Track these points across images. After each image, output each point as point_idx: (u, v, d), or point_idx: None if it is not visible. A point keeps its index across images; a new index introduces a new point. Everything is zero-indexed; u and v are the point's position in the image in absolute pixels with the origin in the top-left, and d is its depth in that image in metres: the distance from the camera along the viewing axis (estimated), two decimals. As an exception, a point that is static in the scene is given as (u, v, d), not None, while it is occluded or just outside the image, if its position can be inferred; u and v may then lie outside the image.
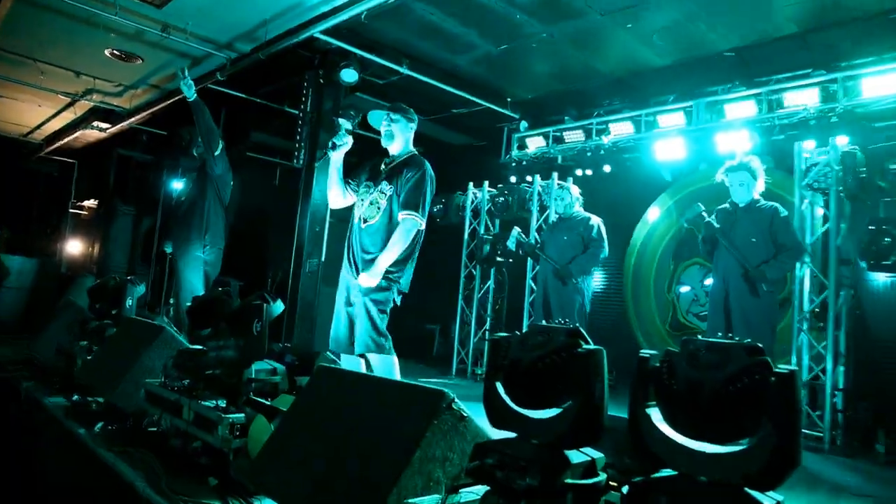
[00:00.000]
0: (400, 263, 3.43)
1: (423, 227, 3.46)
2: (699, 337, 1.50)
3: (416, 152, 3.63)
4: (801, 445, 1.35)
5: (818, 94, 5.56)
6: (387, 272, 3.37)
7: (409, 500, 1.64)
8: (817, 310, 4.90)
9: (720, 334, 1.53)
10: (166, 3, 5.86)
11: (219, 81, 7.07)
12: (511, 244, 5.99)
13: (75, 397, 3.25)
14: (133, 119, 9.11)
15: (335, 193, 3.64)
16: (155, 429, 2.60)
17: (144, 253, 10.23)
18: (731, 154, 4.89)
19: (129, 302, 3.87)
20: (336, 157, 3.54)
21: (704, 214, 4.41)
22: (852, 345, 4.82)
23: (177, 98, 7.86)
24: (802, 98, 5.64)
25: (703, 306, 6.48)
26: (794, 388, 1.34)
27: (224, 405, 2.39)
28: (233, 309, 2.74)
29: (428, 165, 3.52)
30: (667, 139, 6.53)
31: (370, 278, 3.31)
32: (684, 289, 6.97)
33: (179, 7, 5.92)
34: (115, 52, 7.15)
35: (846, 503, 3.25)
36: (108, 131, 9.75)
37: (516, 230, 5.96)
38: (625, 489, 1.44)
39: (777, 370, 1.35)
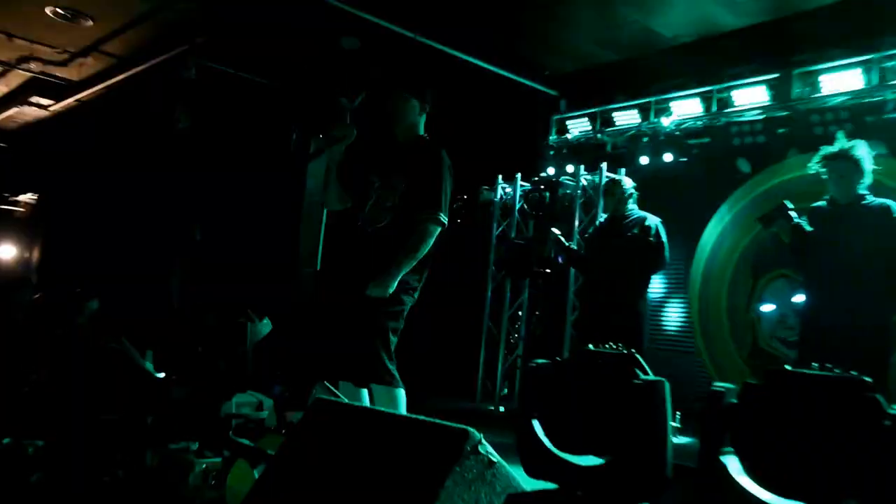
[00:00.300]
0: (417, 271, 3.39)
1: (446, 224, 3.43)
2: (788, 367, 1.47)
3: (427, 138, 3.58)
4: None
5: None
6: (403, 282, 3.29)
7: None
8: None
9: (815, 365, 1.50)
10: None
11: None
12: (549, 251, 5.97)
13: (6, 440, 3.24)
14: (82, 94, 9.17)
15: (334, 195, 3.61)
16: (108, 479, 2.62)
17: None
18: (829, 139, 4.83)
19: (80, 319, 3.91)
20: (336, 151, 3.54)
21: (793, 215, 4.36)
22: None
23: (139, 69, 7.91)
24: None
25: (793, 329, 6.37)
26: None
27: (197, 447, 2.41)
28: (210, 329, 2.76)
29: (444, 152, 3.47)
30: (745, 120, 6.45)
31: (382, 287, 3.22)
32: (767, 307, 6.87)
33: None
34: (58, 9, 7.10)
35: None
36: (50, 109, 9.81)
37: (555, 233, 5.95)
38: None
39: (892, 411, 1.33)
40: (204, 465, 2.31)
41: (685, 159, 7.14)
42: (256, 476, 2.20)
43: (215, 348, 2.61)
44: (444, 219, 3.38)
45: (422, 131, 3.59)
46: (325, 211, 6.80)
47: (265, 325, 2.91)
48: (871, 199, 4.24)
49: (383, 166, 3.51)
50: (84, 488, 2.66)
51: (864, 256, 4.11)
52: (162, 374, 2.93)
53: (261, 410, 2.62)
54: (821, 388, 1.40)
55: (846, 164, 4.21)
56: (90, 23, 7.40)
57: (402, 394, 3.21)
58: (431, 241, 3.36)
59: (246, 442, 2.40)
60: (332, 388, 2.74)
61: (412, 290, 3.38)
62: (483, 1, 6.35)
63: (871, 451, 1.32)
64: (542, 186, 7.42)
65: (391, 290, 3.21)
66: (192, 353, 2.74)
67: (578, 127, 7.77)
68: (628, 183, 5.56)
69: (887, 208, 4.16)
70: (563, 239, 5.88)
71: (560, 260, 6.76)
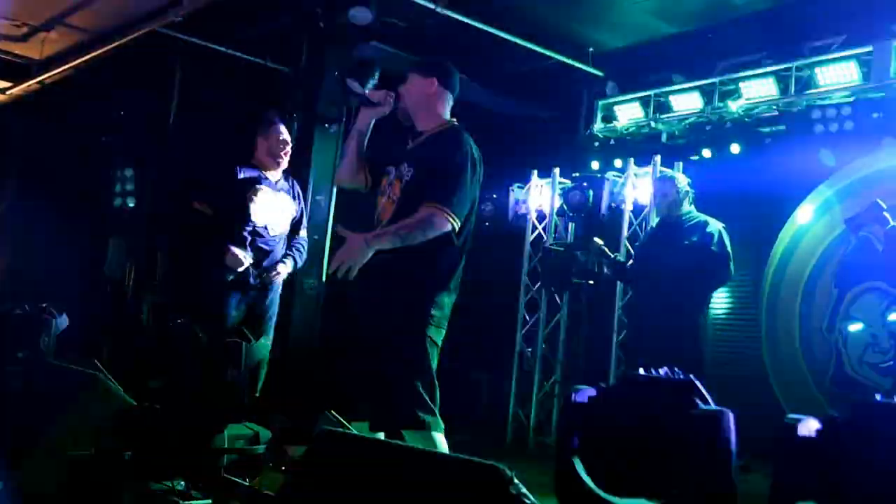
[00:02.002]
0: (436, 297, 3.28)
1: (457, 227, 3.28)
2: (879, 397, 1.47)
3: (454, 123, 3.56)
4: None
5: None
6: (420, 313, 3.20)
7: None
8: None
9: (909, 394, 1.50)
10: None
11: (174, 24, 7.21)
12: (591, 262, 5.98)
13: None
14: (45, 76, 9.16)
15: (348, 168, 3.58)
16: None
17: (69, 267, 10.44)
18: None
19: (44, 340, 3.93)
20: (365, 119, 3.51)
21: (887, 216, 4.34)
22: None
23: (112, 46, 7.94)
24: None
25: (887, 353, 6.31)
26: None
27: (183, 488, 2.44)
28: (198, 349, 2.80)
29: (470, 141, 3.42)
30: (830, 104, 6.43)
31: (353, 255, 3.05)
32: (855, 326, 6.82)
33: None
34: None
35: None
36: (8, 93, 9.86)
37: (598, 243, 5.95)
38: None
39: None
40: (192, 508, 2.34)
41: (756, 151, 7.12)
42: (252, 521, 2.23)
43: (206, 371, 2.64)
44: (456, 218, 3.23)
45: (447, 116, 3.56)
46: (331, 211, 6.84)
47: (262, 346, 2.95)
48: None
49: (398, 156, 3.47)
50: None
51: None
52: (142, 403, 2.97)
53: (257, 444, 2.64)
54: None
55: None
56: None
57: (442, 441, 3.07)
58: (429, 233, 3.16)
59: (240, 481, 2.43)
60: (339, 417, 2.76)
61: (432, 322, 3.25)
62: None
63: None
64: (585, 184, 7.41)
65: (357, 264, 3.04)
66: (177, 378, 2.78)
67: (629, 113, 7.77)
68: (683, 180, 5.57)
69: None
70: (607, 249, 5.89)
71: (606, 271, 6.76)
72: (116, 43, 7.82)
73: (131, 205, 8.76)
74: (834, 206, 6.91)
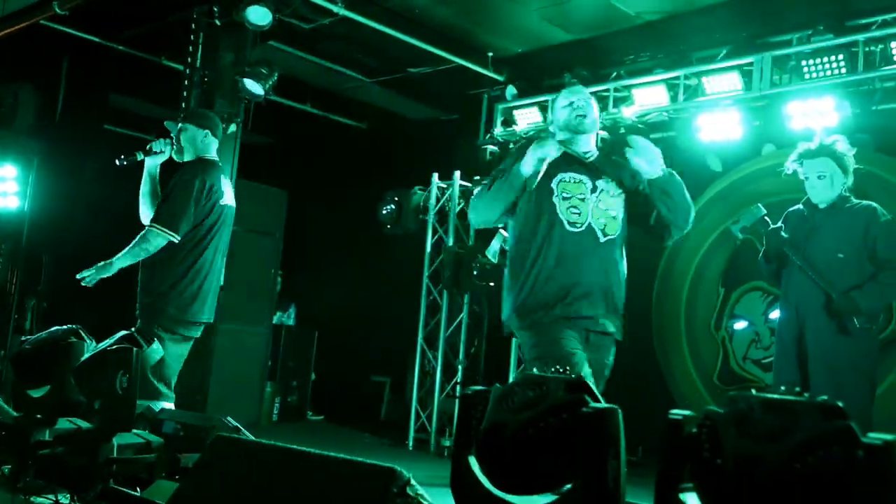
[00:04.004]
0: None
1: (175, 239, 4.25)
2: (753, 392, 1.53)
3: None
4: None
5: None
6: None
7: None
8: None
9: (784, 388, 1.56)
10: None
11: (57, 16, 6.91)
12: (492, 254, 6.01)
13: None
14: None
15: (144, 208, 4.43)
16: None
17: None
18: (808, 133, 5.00)
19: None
20: (152, 167, 4.44)
21: (768, 220, 4.50)
22: None
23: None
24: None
25: (768, 349, 6.57)
26: (891, 465, 1.38)
27: (68, 501, 2.36)
28: (85, 356, 2.71)
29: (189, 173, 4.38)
30: (716, 111, 6.63)
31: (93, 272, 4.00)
32: (740, 325, 7.08)
33: None
34: None
35: None
36: None
37: (501, 235, 6.01)
38: None
39: (867, 440, 1.39)
40: (78, 521, 2.26)
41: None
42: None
43: (91, 382, 2.56)
44: (166, 230, 4.14)
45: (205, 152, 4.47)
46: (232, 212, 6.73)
47: (155, 351, 2.87)
48: (854, 201, 4.42)
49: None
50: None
51: (843, 264, 4.29)
52: (23, 413, 2.85)
53: (148, 452, 2.57)
54: (789, 414, 1.46)
55: (826, 163, 4.37)
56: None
57: None
58: (148, 247, 4.14)
59: (130, 492, 2.37)
60: (234, 422, 2.72)
61: None
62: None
63: (842, 485, 1.39)
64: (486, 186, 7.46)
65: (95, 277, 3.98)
66: (60, 383, 2.68)
67: (528, 117, 7.86)
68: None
69: (873, 211, 4.34)
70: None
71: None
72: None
73: (12, 205, 8.36)
74: (721, 213, 7.18)
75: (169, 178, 4.40)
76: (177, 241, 4.17)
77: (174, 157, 4.43)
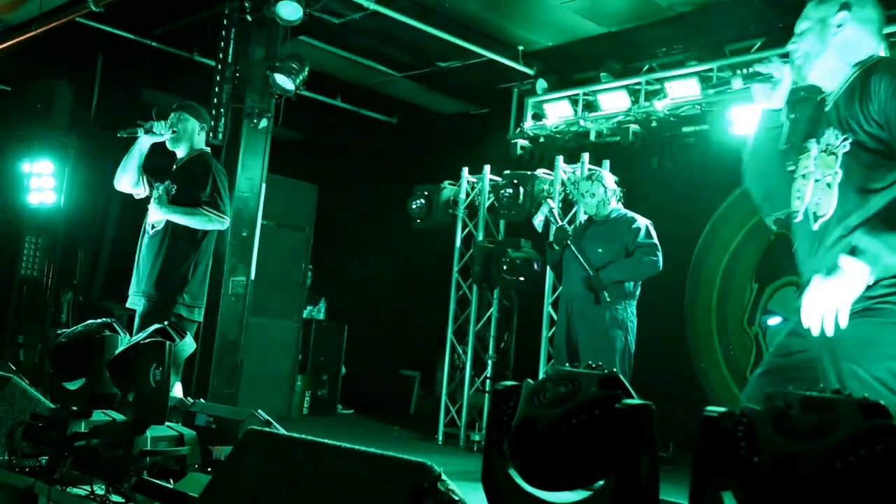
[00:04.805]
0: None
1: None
2: (791, 388, 1.51)
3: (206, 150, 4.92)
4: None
5: None
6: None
7: None
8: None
9: (822, 385, 1.55)
10: None
11: (92, 14, 6.99)
12: (539, 223, 6.00)
13: None
14: None
15: (129, 179, 4.66)
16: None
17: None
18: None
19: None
20: (145, 145, 4.61)
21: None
22: None
23: (27, 36, 7.65)
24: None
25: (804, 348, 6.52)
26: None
27: (103, 492, 2.38)
28: (118, 350, 2.73)
29: (213, 161, 4.89)
30: (750, 103, 6.59)
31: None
32: (774, 320, 7.01)
33: None
34: None
35: None
36: None
37: (549, 205, 5.99)
38: None
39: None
40: (112, 513, 2.28)
41: (681, 150, 7.27)
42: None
43: (125, 375, 2.58)
44: (221, 209, 4.51)
45: (200, 146, 4.76)
46: (259, 205, 6.78)
47: (188, 345, 2.89)
48: None
49: (167, 176, 4.66)
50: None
51: None
52: (59, 405, 2.88)
53: (181, 445, 2.59)
54: (830, 411, 1.44)
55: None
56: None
57: None
58: (208, 225, 4.53)
59: (164, 483, 2.38)
60: (265, 415, 2.73)
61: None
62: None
63: (888, 485, 1.36)
64: (515, 181, 7.44)
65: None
66: (95, 376, 2.70)
67: (558, 111, 7.85)
68: (610, 179, 5.66)
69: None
70: (555, 214, 5.95)
71: (536, 266, 6.81)
72: (34, 32, 7.57)
73: (49, 200, 8.46)
74: (748, 201, 7.11)
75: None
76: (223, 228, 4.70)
77: (168, 143, 4.67)
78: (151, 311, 4.36)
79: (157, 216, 4.54)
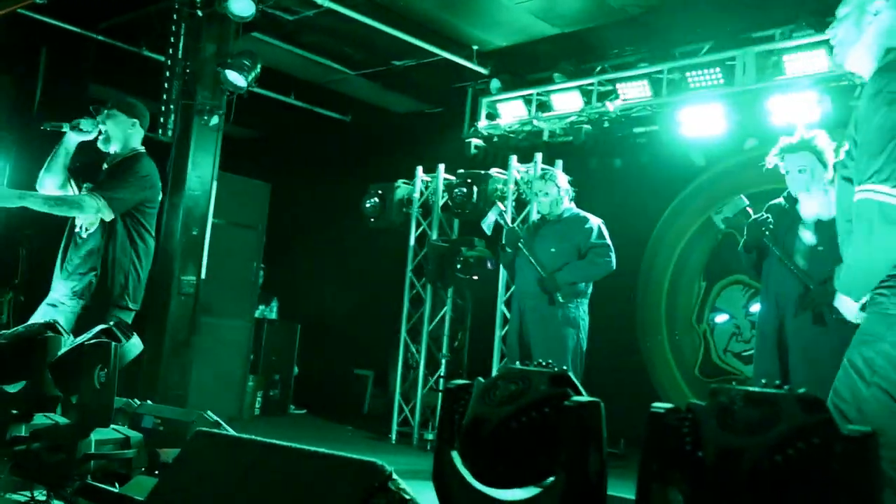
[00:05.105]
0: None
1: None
2: (735, 384, 1.54)
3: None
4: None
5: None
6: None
7: None
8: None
9: (765, 381, 1.57)
10: None
11: (35, 5, 6.77)
12: (488, 226, 6.01)
13: None
14: None
15: (53, 181, 4.38)
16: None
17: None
18: (789, 127, 5.03)
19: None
20: (72, 143, 4.35)
21: (750, 210, 4.53)
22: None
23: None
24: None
25: (749, 342, 6.62)
26: (870, 458, 1.39)
27: (45, 497, 2.34)
28: (62, 351, 2.68)
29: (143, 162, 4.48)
30: (698, 105, 6.68)
31: None
32: (721, 318, 7.13)
33: None
34: None
35: None
36: None
37: (499, 208, 6.01)
38: None
39: (846, 432, 1.40)
40: (55, 518, 2.24)
41: (632, 150, 7.36)
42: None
43: (68, 376, 2.53)
44: (106, 207, 4.16)
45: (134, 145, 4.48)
46: (210, 203, 6.71)
47: (135, 345, 2.84)
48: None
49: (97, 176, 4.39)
50: None
51: (823, 257, 4.32)
52: None
53: (127, 448, 2.55)
54: (771, 407, 1.47)
55: (807, 157, 4.41)
56: None
57: None
58: (81, 210, 4.20)
59: (108, 488, 2.35)
60: (215, 416, 2.71)
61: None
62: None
63: (823, 476, 1.40)
64: (469, 180, 7.46)
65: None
66: (37, 378, 2.65)
67: (512, 111, 7.90)
68: (563, 179, 5.69)
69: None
70: (505, 217, 5.97)
71: (489, 265, 6.83)
72: None
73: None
74: (697, 199, 7.23)
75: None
76: (107, 219, 4.22)
77: (99, 143, 4.40)
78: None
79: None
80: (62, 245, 4.40)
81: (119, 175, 4.31)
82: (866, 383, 2.42)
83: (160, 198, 4.50)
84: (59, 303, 4.33)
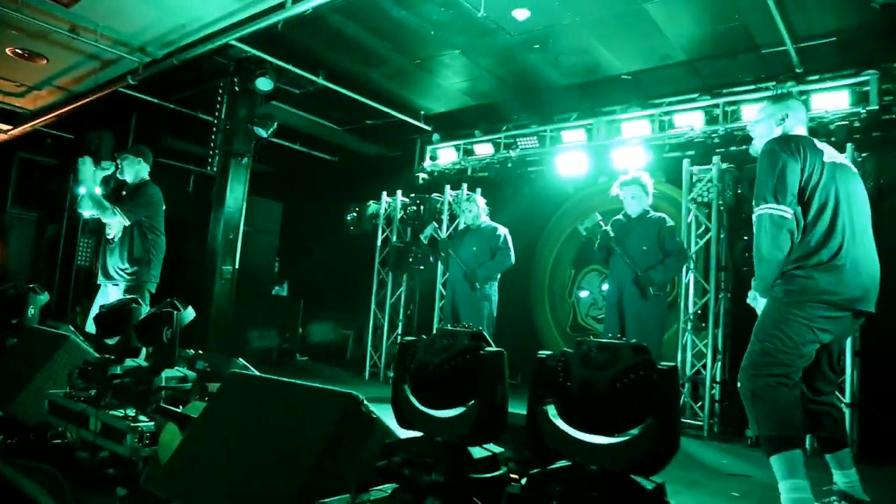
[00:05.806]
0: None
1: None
2: (592, 338, 1.58)
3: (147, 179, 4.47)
4: (679, 433, 1.46)
5: (703, 117, 5.99)
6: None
7: (320, 501, 1.64)
8: (699, 312, 5.26)
9: (610, 335, 1.61)
10: (75, 3, 5.45)
11: (130, 85, 6.70)
12: (425, 237, 6.00)
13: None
14: (37, 121, 8.41)
15: (97, 206, 4.23)
16: (60, 441, 2.44)
17: (49, 260, 9.50)
18: (625, 169, 5.17)
19: (31, 311, 3.62)
20: (97, 176, 4.47)
21: (602, 224, 4.63)
22: (729, 343, 5.21)
23: (85, 101, 7.41)
24: (690, 120, 6.06)
25: (601, 310, 6.77)
26: (674, 382, 1.44)
27: (133, 414, 2.28)
28: (142, 317, 2.62)
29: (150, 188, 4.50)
30: (569, 153, 6.78)
31: None
32: (584, 293, 7.26)
33: (89, 7, 5.53)
34: (17, 50, 6.59)
35: (720, 481, 3.52)
36: (9, 133, 8.98)
37: (434, 225, 6.01)
38: (524, 480, 1.51)
39: (660, 367, 1.45)
40: (140, 428, 2.19)
41: (526, 182, 7.44)
42: (183, 436, 2.12)
43: (146, 334, 2.47)
44: (123, 217, 4.16)
45: (142, 175, 4.41)
46: (242, 216, 6.57)
47: (189, 313, 2.79)
48: (652, 213, 4.60)
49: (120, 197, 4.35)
50: (38, 448, 2.49)
51: (646, 254, 4.46)
52: (102, 355, 2.75)
53: (185, 382, 2.51)
54: (614, 352, 1.51)
55: (636, 188, 4.54)
56: (45, 62, 6.87)
57: None
58: (104, 217, 4.22)
59: (174, 409, 2.30)
60: (245, 363, 2.67)
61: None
62: (378, 61, 6.34)
63: (646, 395, 1.44)
64: (418, 201, 7.48)
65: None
66: (126, 335, 2.58)
67: (447, 155, 7.91)
68: (481, 201, 5.73)
69: (663, 219, 4.54)
70: (438, 231, 5.98)
71: (431, 259, 6.84)
72: (90, 98, 7.31)
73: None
74: (568, 215, 7.33)
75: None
76: (126, 225, 4.20)
77: (118, 175, 4.39)
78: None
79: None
80: (100, 252, 4.36)
81: (131, 196, 4.29)
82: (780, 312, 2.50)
83: (163, 208, 4.39)
84: (107, 293, 4.20)
